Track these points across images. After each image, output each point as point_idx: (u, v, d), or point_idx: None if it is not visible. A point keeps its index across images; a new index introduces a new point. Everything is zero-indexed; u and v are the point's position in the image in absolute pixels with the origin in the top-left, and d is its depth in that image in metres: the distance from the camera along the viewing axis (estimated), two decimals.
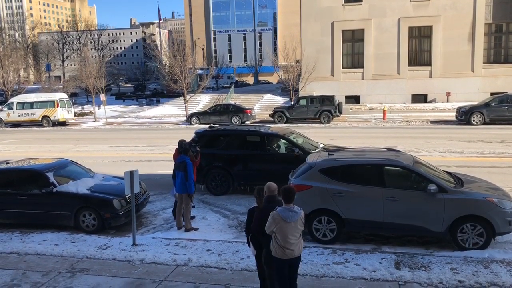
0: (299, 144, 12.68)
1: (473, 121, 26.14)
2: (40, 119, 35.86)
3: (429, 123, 28.79)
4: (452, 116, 28.99)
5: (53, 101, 35.86)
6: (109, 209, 10.09)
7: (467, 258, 7.94)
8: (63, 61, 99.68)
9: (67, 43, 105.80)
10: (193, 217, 10.51)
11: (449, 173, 9.76)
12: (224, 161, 12.80)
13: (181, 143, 10.70)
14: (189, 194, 9.91)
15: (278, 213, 5.75)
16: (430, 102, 35.75)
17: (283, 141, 12.95)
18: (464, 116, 26.54)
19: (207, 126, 15.49)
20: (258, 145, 12.85)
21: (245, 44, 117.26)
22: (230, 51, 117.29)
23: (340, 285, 7.15)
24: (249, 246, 6.43)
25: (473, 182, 9.28)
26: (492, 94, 30.88)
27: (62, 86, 54.24)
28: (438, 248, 8.60)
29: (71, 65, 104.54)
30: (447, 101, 34.82)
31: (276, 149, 12.97)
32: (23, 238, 9.94)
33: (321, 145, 13.40)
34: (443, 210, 8.29)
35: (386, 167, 8.94)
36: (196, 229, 10.00)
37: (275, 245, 5.80)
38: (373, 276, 7.37)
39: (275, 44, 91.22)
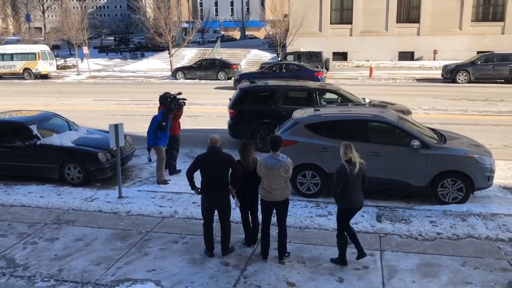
0: (350, 98, 12.47)
1: (459, 79, 26.23)
2: (21, 71, 34.97)
3: (415, 81, 28.82)
4: (438, 74, 29.02)
5: (34, 53, 34.94)
6: (94, 162, 10.07)
7: (446, 211, 8.19)
8: (43, 12, 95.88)
9: None
10: (179, 171, 10.58)
11: (433, 130, 9.88)
12: (275, 117, 12.11)
13: (165, 95, 10.69)
14: (147, 147, 10.07)
15: (263, 159, 6.23)
16: (417, 60, 35.70)
17: (333, 95, 12.72)
18: (450, 74, 26.59)
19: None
20: (308, 100, 12.42)
21: None
22: (216, 3, 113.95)
23: (322, 236, 7.36)
24: (233, 198, 6.68)
25: (455, 139, 9.43)
26: (478, 52, 30.86)
27: (43, 38, 52.49)
28: (418, 202, 8.82)
29: (52, 16, 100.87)
30: (434, 59, 34.83)
31: (326, 103, 12.57)
32: (8, 190, 9.92)
33: (367, 100, 13.14)
34: (425, 165, 8.45)
35: (370, 123, 9.02)
36: (168, 180, 10.10)
37: (261, 188, 6.32)
38: (355, 228, 7.54)
39: None
